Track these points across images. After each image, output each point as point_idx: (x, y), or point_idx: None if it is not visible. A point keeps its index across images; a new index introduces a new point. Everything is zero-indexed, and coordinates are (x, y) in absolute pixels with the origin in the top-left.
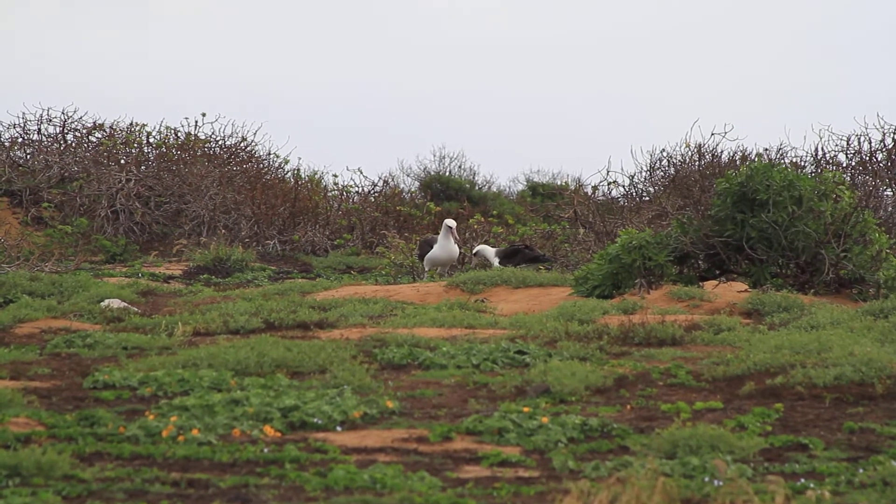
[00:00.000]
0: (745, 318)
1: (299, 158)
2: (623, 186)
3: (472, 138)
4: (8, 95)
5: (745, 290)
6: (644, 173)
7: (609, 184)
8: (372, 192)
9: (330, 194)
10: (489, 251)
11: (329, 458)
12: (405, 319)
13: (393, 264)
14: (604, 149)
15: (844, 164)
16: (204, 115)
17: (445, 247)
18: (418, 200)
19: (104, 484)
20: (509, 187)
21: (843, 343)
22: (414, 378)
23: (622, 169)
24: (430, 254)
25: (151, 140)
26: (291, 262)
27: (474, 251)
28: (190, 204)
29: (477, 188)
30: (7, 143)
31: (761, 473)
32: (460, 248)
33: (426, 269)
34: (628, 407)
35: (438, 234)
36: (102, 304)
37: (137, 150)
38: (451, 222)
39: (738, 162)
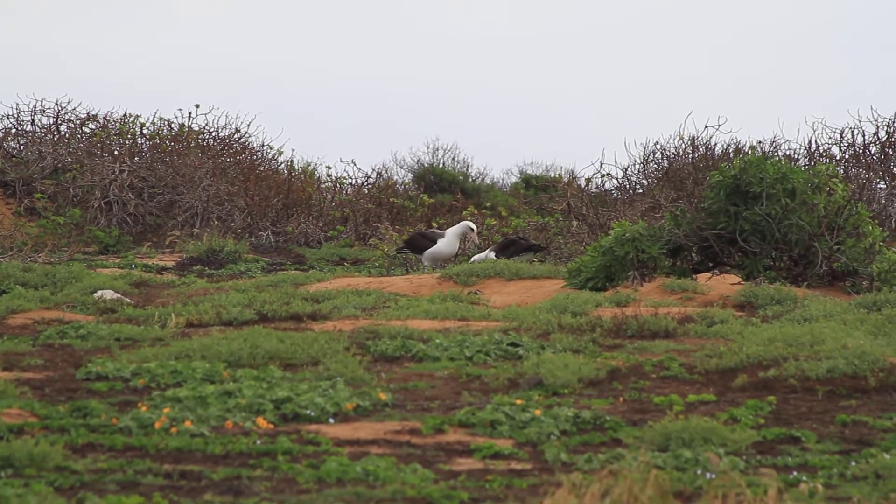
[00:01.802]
0: (738, 311)
1: (293, 150)
2: (616, 179)
3: (466, 130)
4: (1, 86)
5: (739, 283)
6: (637, 166)
7: (602, 176)
8: (365, 183)
9: (323, 186)
10: (482, 255)
11: (321, 450)
12: (398, 311)
13: (386, 256)
14: (597, 141)
15: (838, 157)
16: (198, 106)
17: (452, 244)
18: (412, 192)
19: (97, 475)
20: (503, 179)
21: (836, 336)
22: (407, 370)
23: (615, 161)
24: (434, 249)
25: (145, 131)
26: (285, 254)
27: (471, 261)
28: (183, 195)
29: (470, 180)
30: (0, 134)
31: (754, 466)
32: (464, 248)
33: (426, 263)
34: (621, 399)
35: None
36: (95, 295)
37: (131, 141)
38: (473, 226)
39: (731, 154)
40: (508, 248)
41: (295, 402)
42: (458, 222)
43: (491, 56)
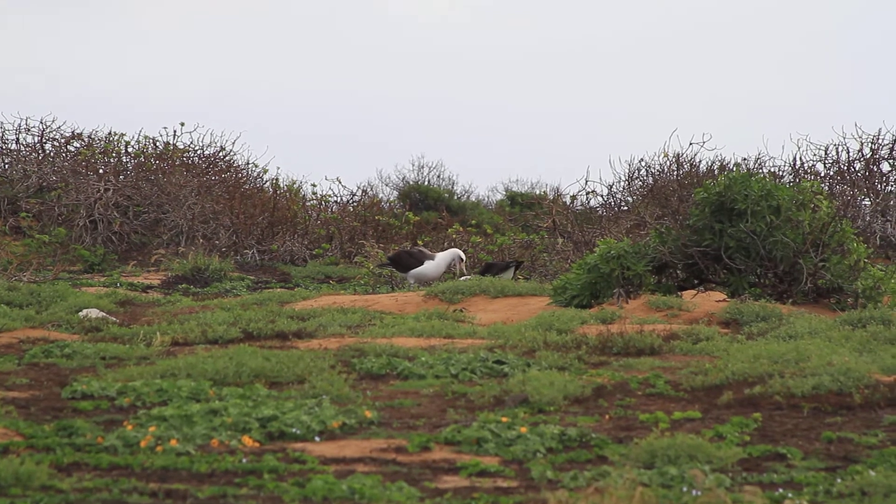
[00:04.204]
0: (724, 328)
1: (278, 168)
2: (601, 196)
3: (451, 148)
4: None
5: (724, 300)
6: (622, 183)
7: (587, 193)
8: (350, 201)
9: (308, 204)
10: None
11: (307, 468)
12: (384, 329)
13: (371, 274)
14: (582, 159)
15: (822, 174)
16: (182, 124)
17: (440, 268)
18: (397, 210)
19: (82, 494)
20: (488, 197)
21: (822, 353)
22: (392, 388)
23: (601, 179)
24: (420, 270)
25: (130, 149)
26: (270, 272)
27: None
28: (168, 214)
29: (455, 198)
30: None
31: (739, 483)
32: (450, 273)
33: (411, 282)
34: (607, 417)
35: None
36: (81, 313)
37: (116, 159)
38: (462, 255)
39: (716, 171)
40: (487, 273)
41: (281, 420)
42: (444, 241)
43: (476, 74)
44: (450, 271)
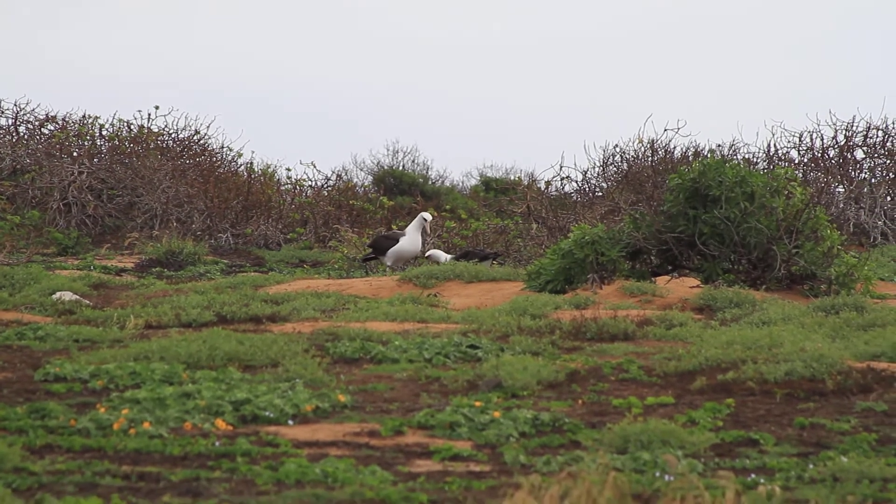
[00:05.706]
0: (697, 314)
1: (252, 152)
2: (576, 182)
3: (426, 133)
4: None
5: (697, 286)
6: (597, 169)
7: (562, 179)
8: (325, 186)
9: (283, 188)
10: (441, 255)
11: (280, 451)
12: (357, 313)
13: (346, 258)
14: (557, 144)
15: (797, 161)
16: (157, 107)
17: (415, 240)
18: (371, 195)
19: (55, 476)
20: (462, 182)
21: (795, 339)
22: (366, 372)
23: (575, 164)
24: (397, 247)
25: (104, 132)
26: (244, 256)
27: (426, 255)
28: (142, 197)
29: (430, 183)
30: None
31: (712, 468)
32: (425, 242)
33: (389, 263)
34: (580, 402)
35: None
36: (54, 296)
37: (90, 142)
38: (427, 215)
39: (690, 158)
40: (466, 258)
41: (254, 403)
42: None
43: (451, 59)
44: (425, 241)
